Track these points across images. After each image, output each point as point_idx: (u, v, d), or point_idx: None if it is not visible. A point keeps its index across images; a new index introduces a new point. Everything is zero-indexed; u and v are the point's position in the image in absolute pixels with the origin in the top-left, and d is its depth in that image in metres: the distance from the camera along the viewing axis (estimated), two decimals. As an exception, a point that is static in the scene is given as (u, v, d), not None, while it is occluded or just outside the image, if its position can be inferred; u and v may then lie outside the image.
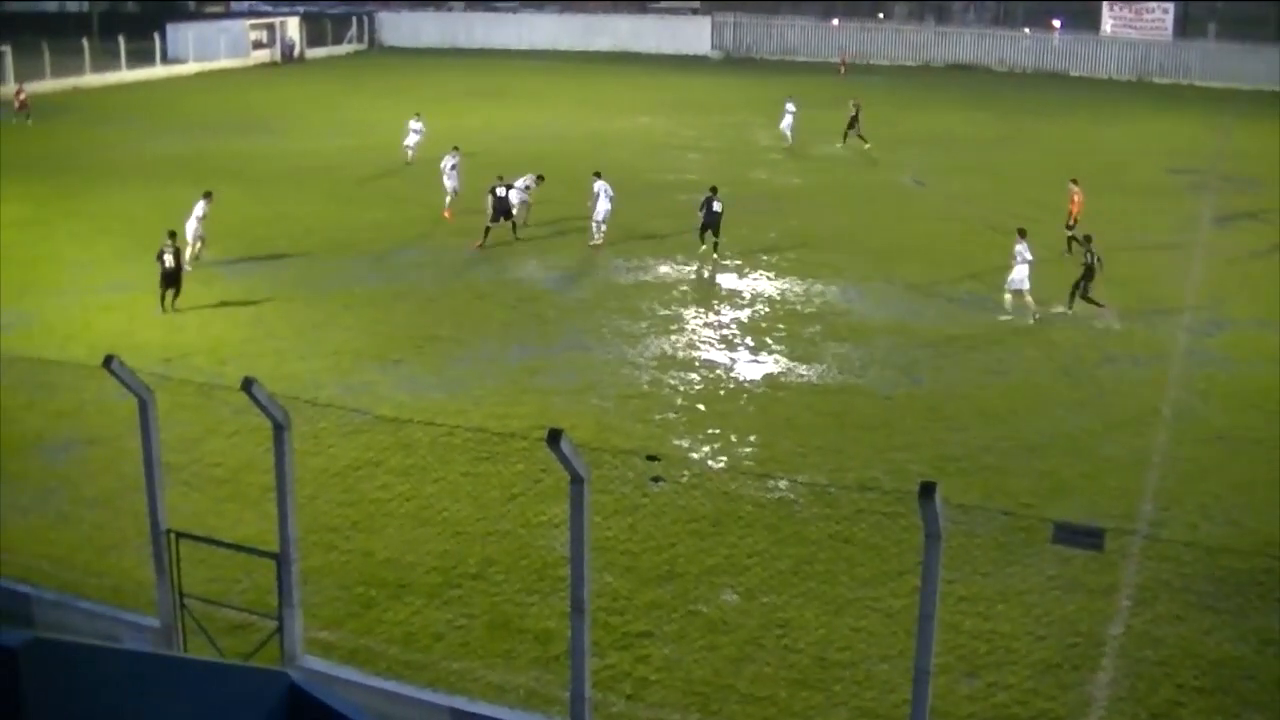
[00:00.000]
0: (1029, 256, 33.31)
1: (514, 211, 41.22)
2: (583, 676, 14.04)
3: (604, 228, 40.99)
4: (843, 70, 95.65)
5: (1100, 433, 25.41)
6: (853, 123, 60.85)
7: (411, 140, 55.17)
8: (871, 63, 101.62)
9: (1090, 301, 33.44)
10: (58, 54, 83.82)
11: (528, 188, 42.89)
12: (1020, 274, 33.39)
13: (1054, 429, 25.60)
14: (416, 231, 42.62)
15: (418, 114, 56.54)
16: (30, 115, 67.60)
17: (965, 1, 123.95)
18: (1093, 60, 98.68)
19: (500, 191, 41.04)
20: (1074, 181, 40.83)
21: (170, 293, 33.07)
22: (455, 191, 44.10)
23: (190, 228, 36.66)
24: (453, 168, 44.45)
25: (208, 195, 37.66)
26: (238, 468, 22.55)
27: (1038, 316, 33.16)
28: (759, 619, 17.86)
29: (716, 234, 39.62)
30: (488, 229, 40.46)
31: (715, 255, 39.34)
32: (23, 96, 69.45)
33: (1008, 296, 33.83)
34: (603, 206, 40.78)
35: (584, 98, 70.65)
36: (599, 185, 41.05)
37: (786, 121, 61.12)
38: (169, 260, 33.05)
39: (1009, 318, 33.47)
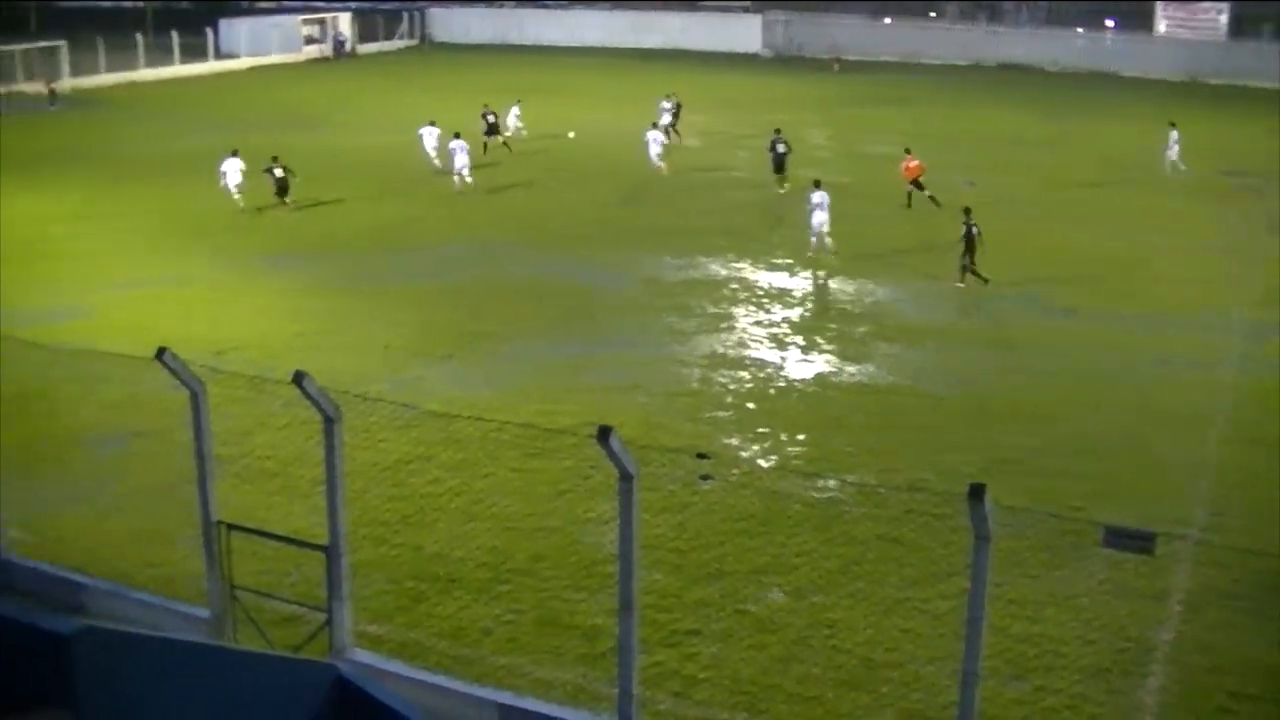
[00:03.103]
0: (822, 203, 38.27)
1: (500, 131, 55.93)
2: (630, 673, 14.05)
3: (660, 162, 51.08)
4: (836, 67, 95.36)
5: (1151, 436, 25.22)
6: (675, 117, 61.05)
7: (513, 124, 59.76)
8: (922, 62, 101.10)
9: (975, 274, 35.47)
10: (113, 49, 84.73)
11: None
12: (818, 219, 38.15)
13: (1104, 431, 25.43)
14: (465, 227, 42.78)
15: (519, 100, 62.11)
16: (56, 102, 73.16)
17: (1017, 1, 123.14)
18: (1145, 61, 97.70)
19: (490, 118, 55.78)
20: (907, 150, 46.44)
21: (283, 197, 44.44)
22: (466, 166, 48.83)
23: (234, 181, 44.35)
24: (464, 150, 48.91)
25: (235, 153, 45.19)
26: (288, 461, 22.63)
27: (832, 252, 38.01)
28: (806, 619, 17.83)
29: (782, 172, 47.81)
30: (488, 144, 54.52)
31: (782, 190, 47.21)
32: (53, 86, 74.52)
33: (813, 240, 38.36)
34: (654, 150, 51.30)
35: (634, 95, 70.57)
36: (651, 135, 51.59)
37: (665, 120, 60.59)
38: (279, 173, 44.48)
39: (818, 254, 38.19)
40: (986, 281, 35.32)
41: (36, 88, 75.18)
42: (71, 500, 21.37)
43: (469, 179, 48.33)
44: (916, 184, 45.02)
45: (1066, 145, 61.76)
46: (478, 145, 52.62)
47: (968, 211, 35.68)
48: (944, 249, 36.56)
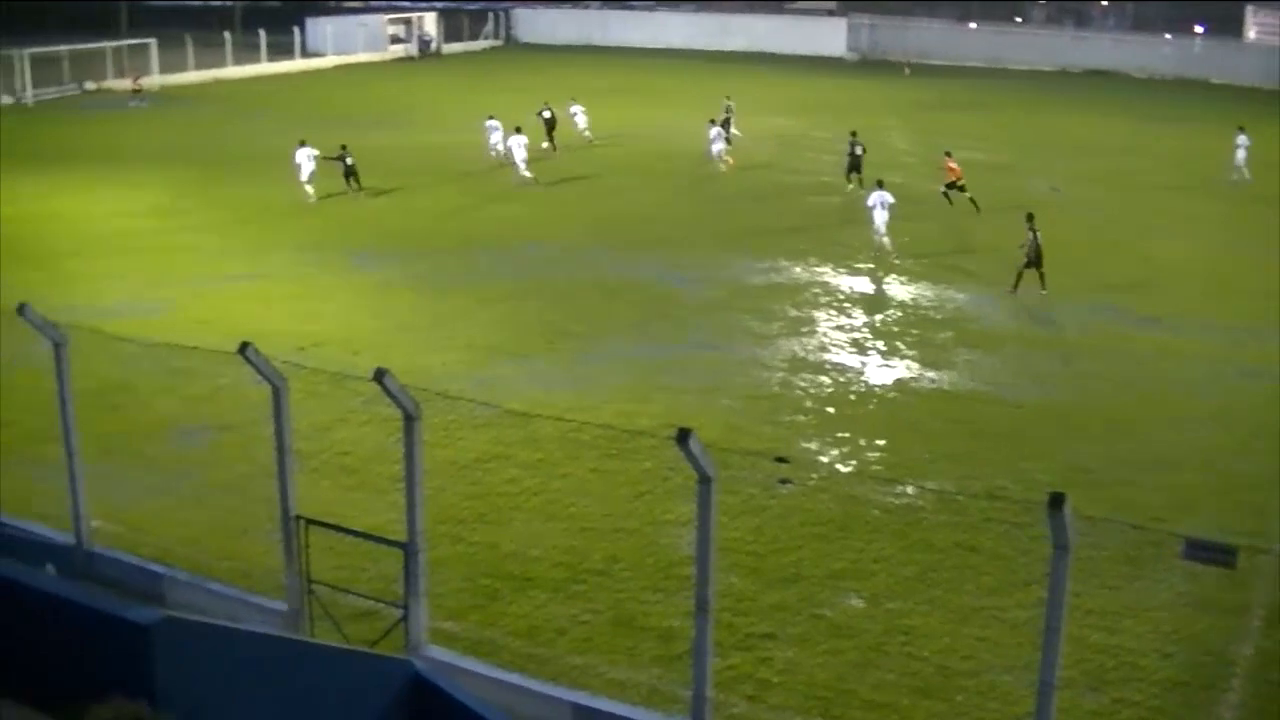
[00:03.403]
0: (887, 201, 39.19)
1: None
2: (704, 676, 14.03)
3: (726, 157, 53.22)
4: (907, 70, 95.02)
5: (1233, 448, 24.89)
6: (728, 122, 60.32)
7: (581, 122, 60.24)
8: (1007, 67, 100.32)
9: (1018, 277, 35.43)
10: (201, 46, 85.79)
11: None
12: (879, 219, 39.12)
13: (1185, 442, 25.12)
14: (548, 227, 42.92)
15: (572, 98, 61.58)
16: (144, 98, 74.34)
17: (1105, 1, 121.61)
18: (1235, 67, 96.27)
19: (546, 114, 56.04)
20: (948, 154, 47.26)
21: (353, 181, 45.98)
22: (525, 160, 50.01)
23: (307, 169, 45.32)
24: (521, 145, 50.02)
25: (303, 143, 45.86)
26: (367, 457, 22.81)
27: (895, 259, 38.83)
28: (883, 625, 17.75)
29: (859, 172, 48.51)
30: (550, 145, 55.79)
31: (855, 188, 47.64)
32: (139, 82, 75.93)
33: (884, 242, 39.31)
34: (717, 146, 53.39)
35: (717, 97, 70.69)
36: (713, 131, 53.54)
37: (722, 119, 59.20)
38: (349, 160, 45.78)
39: (890, 252, 39.22)
40: (1015, 289, 35.27)
41: (125, 84, 76.41)
42: (153, 492, 21.62)
43: (527, 174, 49.50)
44: (951, 186, 45.64)
45: (1150, 152, 61.13)
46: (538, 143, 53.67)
47: (1030, 217, 35.38)
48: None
